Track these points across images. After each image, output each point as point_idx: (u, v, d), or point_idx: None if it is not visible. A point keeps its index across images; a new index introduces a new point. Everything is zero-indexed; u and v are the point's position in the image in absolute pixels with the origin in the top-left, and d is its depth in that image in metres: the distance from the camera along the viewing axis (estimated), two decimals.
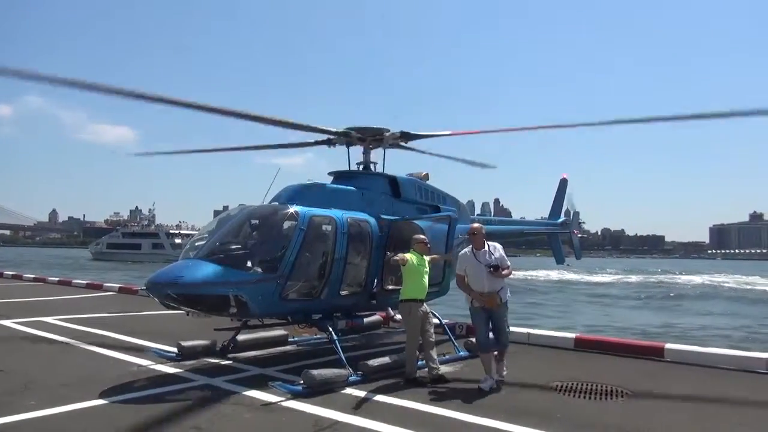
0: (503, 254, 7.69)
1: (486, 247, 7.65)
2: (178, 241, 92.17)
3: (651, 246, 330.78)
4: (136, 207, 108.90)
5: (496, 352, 7.83)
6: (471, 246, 7.71)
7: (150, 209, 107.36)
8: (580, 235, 19.91)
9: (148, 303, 16.15)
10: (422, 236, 8.70)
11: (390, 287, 9.52)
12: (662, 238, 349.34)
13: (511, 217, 24.24)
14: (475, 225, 7.78)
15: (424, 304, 8.30)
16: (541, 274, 64.25)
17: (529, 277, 60.09)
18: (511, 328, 11.24)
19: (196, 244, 8.43)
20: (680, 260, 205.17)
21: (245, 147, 11.65)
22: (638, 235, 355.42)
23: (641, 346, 10.22)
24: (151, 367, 8.67)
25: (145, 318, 13.85)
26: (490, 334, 7.70)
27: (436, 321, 8.84)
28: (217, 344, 9.61)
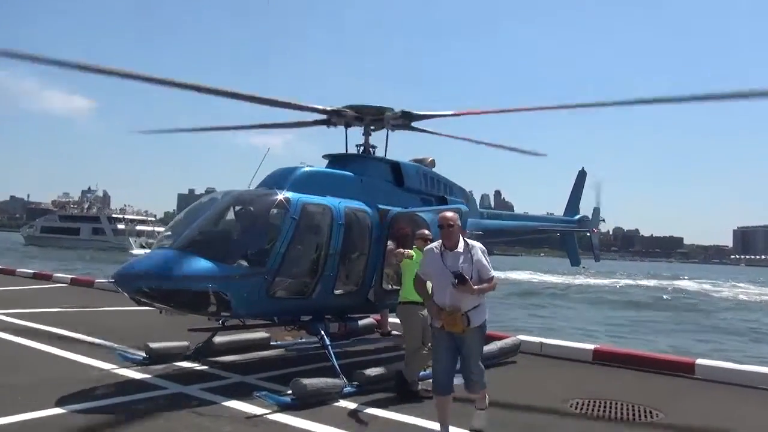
0: (484, 259, 6.15)
1: (460, 247, 6.15)
2: (121, 226, 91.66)
3: (667, 248, 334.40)
4: (89, 188, 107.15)
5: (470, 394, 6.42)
6: (441, 242, 6.27)
7: (91, 188, 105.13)
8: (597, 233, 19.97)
9: (108, 297, 16.08)
10: (427, 231, 8.63)
11: (389, 287, 9.50)
12: (680, 240, 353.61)
13: (513, 211, 24.33)
14: (448, 214, 6.25)
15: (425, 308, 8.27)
16: (548, 278, 64.54)
17: (535, 280, 60.44)
18: (524, 337, 11.44)
19: (173, 232, 8.37)
20: (700, 266, 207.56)
21: (239, 126, 11.60)
22: (654, 235, 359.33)
23: (669, 361, 10.28)
24: (116, 371, 8.58)
25: (107, 315, 13.69)
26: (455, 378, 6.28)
27: None
28: (190, 347, 9.55)
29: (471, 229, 11.09)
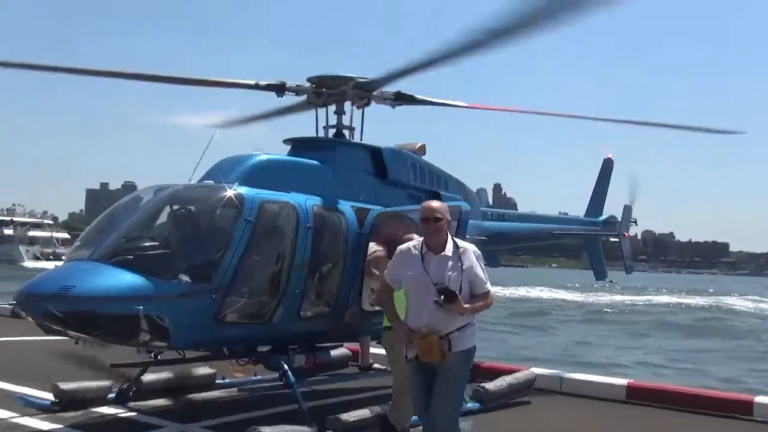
0: (479, 267, 6.08)
1: (448, 249, 6.06)
2: (8, 232, 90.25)
3: (709, 256, 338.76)
4: None
5: None
6: (422, 241, 6.18)
7: None
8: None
9: (5, 324, 15.85)
10: (416, 235, 8.61)
11: (370, 308, 9.49)
12: (725, 246, 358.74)
13: (517, 210, 24.71)
14: (434, 204, 6.20)
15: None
16: (566, 295, 65.16)
17: (549, 297, 60.89)
18: (539, 370, 11.49)
19: (91, 239, 8.31)
20: (750, 278, 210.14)
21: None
22: (692, 241, 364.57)
23: (721, 399, 10.40)
24: (15, 420, 8.45)
25: (3, 347, 13.55)
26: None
27: None
28: (113, 387, 9.45)
29: (473, 233, 11.12)
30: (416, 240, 6.30)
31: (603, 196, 19.24)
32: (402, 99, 10.92)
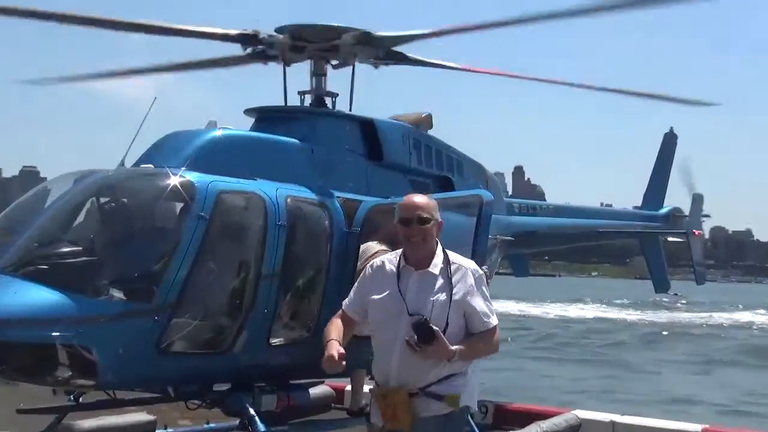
0: (480, 295, 5.61)
1: (435, 265, 5.59)
2: None
3: None
4: None
5: None
6: (401, 254, 5.69)
7: None
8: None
9: None
10: None
11: (363, 333, 9.47)
12: None
13: (545, 200, 24.90)
14: (418, 200, 5.70)
15: None
16: (616, 313, 65.45)
17: (592, 316, 61.14)
18: (584, 413, 11.53)
19: None
20: None
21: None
22: None
23: None
24: None
25: None
26: None
27: None
28: None
29: (498, 231, 11.16)
30: (392, 253, 5.79)
31: (664, 182, 19.39)
32: (390, 57, 10.99)
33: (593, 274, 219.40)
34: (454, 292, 5.51)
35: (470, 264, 5.75)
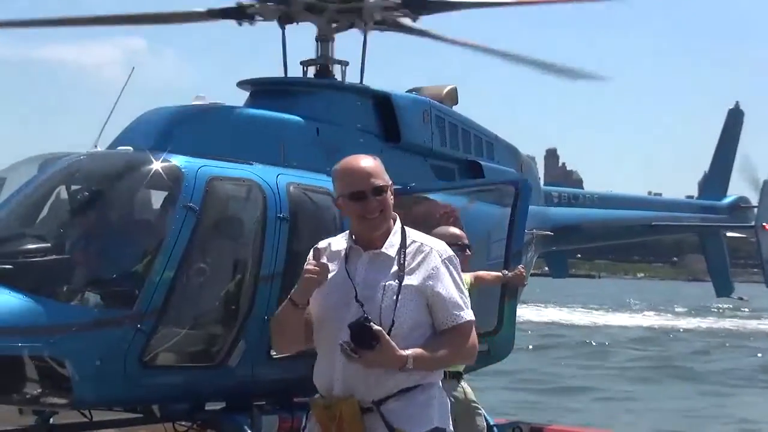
0: (444, 281, 4.97)
1: (390, 245, 5.06)
2: None
3: None
4: None
5: None
6: (349, 235, 5.17)
7: None
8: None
9: None
10: (453, 229, 8.81)
11: None
12: None
13: (582, 188, 24.89)
14: (364, 163, 5.08)
15: (462, 380, 8.46)
16: (671, 320, 65.42)
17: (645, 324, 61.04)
18: None
19: None
20: None
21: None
22: None
23: None
24: None
25: None
26: None
27: (481, 421, 8.87)
28: None
29: (535, 225, 11.11)
30: (341, 235, 5.26)
31: (728, 167, 19.29)
32: (409, 6, 10.93)
33: (639, 275, 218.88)
34: (410, 276, 4.90)
35: (436, 243, 5.11)
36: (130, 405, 8.82)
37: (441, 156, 11.17)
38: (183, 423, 8.93)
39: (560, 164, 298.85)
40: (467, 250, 8.61)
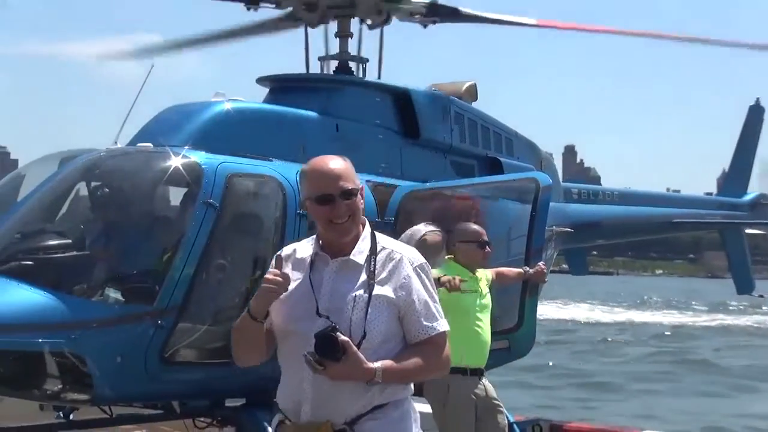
0: (416, 291, 4.68)
1: (358, 252, 4.77)
2: None
3: None
4: None
5: None
6: (316, 240, 4.83)
7: None
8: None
9: None
10: (474, 226, 8.79)
11: None
12: None
13: (600, 186, 24.87)
14: (332, 164, 4.70)
15: (484, 378, 8.43)
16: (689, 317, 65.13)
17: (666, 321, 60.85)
18: None
19: None
20: None
21: None
22: None
23: None
24: None
25: None
26: None
27: (503, 419, 8.87)
28: None
29: (555, 222, 11.12)
30: (306, 240, 4.94)
31: (749, 163, 19.24)
32: (438, 14, 11.01)
33: (657, 272, 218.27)
34: (381, 285, 4.61)
35: (407, 250, 4.82)
36: (151, 401, 8.84)
37: (460, 152, 11.17)
38: (203, 419, 8.96)
39: (578, 161, 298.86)
40: (487, 247, 8.63)
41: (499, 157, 11.56)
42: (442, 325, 4.65)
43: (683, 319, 65.06)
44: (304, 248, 4.80)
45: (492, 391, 8.48)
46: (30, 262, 7.82)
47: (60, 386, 7.76)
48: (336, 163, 4.68)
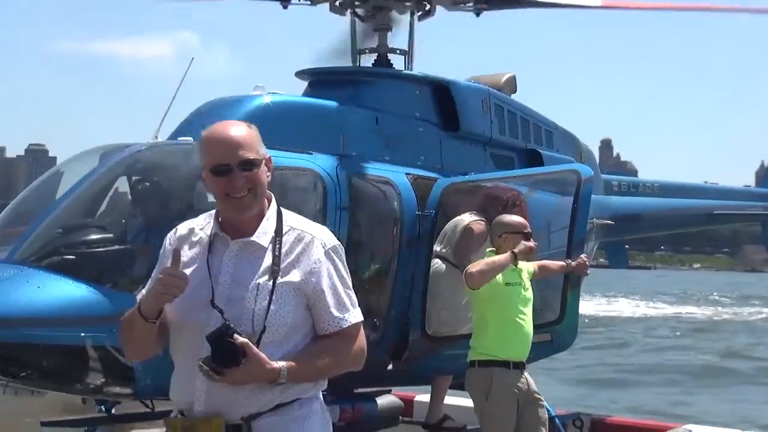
0: (327, 275, 4.25)
1: (262, 232, 4.28)
2: None
3: None
4: None
5: None
6: (215, 218, 4.37)
7: None
8: None
9: None
10: (516, 218, 8.75)
11: (440, 332, 9.58)
12: None
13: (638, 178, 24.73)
14: (233, 131, 4.27)
15: (525, 371, 8.40)
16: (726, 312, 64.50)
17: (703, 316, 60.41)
18: (702, 430, 11.35)
19: (7, 231, 8.41)
20: None
21: None
22: None
23: None
24: None
25: None
26: None
27: (544, 413, 8.84)
28: None
29: (595, 214, 11.08)
30: (202, 217, 4.49)
31: None
32: (490, 0, 10.96)
33: (696, 266, 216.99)
34: (287, 271, 4.19)
35: (319, 230, 4.35)
36: None
37: (500, 144, 11.12)
38: None
39: (615, 155, 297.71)
40: (529, 239, 8.55)
41: (539, 149, 11.51)
42: (355, 315, 4.26)
43: (731, 312, 64.03)
44: (203, 226, 4.38)
45: (533, 385, 8.47)
46: (73, 256, 7.84)
47: (102, 380, 7.80)
48: (238, 129, 4.27)
